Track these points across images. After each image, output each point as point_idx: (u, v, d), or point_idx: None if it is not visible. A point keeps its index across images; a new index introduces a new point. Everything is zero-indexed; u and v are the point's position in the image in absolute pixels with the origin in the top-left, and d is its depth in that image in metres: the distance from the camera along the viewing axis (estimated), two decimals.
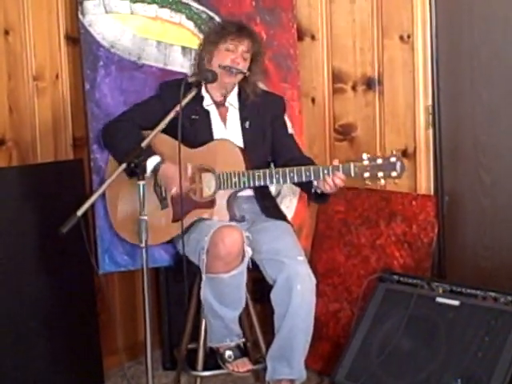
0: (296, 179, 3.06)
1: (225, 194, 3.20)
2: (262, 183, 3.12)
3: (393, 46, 3.69)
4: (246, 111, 3.36)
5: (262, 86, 3.50)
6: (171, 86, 3.31)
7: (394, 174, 2.94)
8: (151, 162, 3.11)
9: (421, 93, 3.62)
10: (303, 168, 3.05)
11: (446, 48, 3.55)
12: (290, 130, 3.58)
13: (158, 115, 3.05)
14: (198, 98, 3.27)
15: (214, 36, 3.29)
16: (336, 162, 3.02)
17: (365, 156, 2.96)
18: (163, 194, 3.25)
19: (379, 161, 2.94)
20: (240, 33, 3.25)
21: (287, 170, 3.06)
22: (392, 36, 3.68)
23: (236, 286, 3.12)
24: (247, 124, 3.34)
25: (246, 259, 3.10)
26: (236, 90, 3.38)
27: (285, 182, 3.10)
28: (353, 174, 2.98)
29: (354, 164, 2.97)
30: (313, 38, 3.95)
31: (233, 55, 3.23)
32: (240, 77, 3.29)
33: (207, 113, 3.33)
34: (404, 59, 3.66)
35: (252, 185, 3.13)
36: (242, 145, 3.30)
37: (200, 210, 3.21)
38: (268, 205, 3.39)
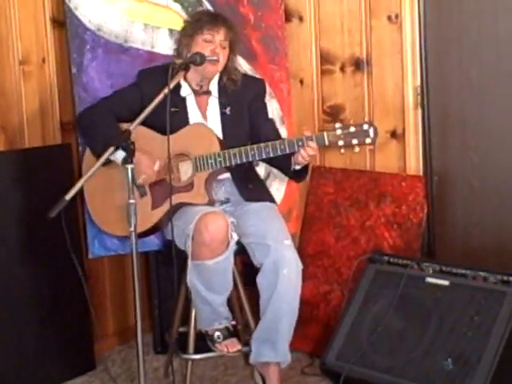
0: (272, 153, 3.08)
1: (202, 176, 3.19)
2: (239, 161, 3.12)
3: (381, 26, 3.68)
4: (227, 97, 3.35)
5: (242, 70, 3.51)
6: (150, 73, 3.34)
7: (368, 140, 3.00)
8: (121, 153, 2.96)
9: (409, 73, 3.62)
10: (277, 142, 3.08)
11: (434, 28, 3.55)
12: (270, 115, 3.57)
13: (135, 104, 3.15)
14: (176, 87, 3.24)
15: (189, 29, 3.28)
16: (308, 133, 3.05)
17: (337, 125, 3.01)
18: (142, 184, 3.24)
19: (352, 129, 2.99)
20: (215, 22, 3.24)
21: (262, 145, 3.08)
22: (380, 16, 3.67)
23: (222, 271, 3.13)
24: (228, 110, 3.34)
25: (232, 245, 3.11)
26: (216, 78, 3.36)
27: (260, 156, 3.10)
28: (327, 143, 3.01)
29: (327, 133, 3.01)
30: (300, 19, 3.93)
31: (211, 45, 3.22)
32: (222, 64, 3.28)
33: (184, 102, 3.33)
34: (392, 40, 3.65)
35: (229, 164, 3.14)
36: (220, 132, 3.30)
37: (179, 194, 3.20)
38: (251, 187, 3.37)
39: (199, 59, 3.09)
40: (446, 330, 3.02)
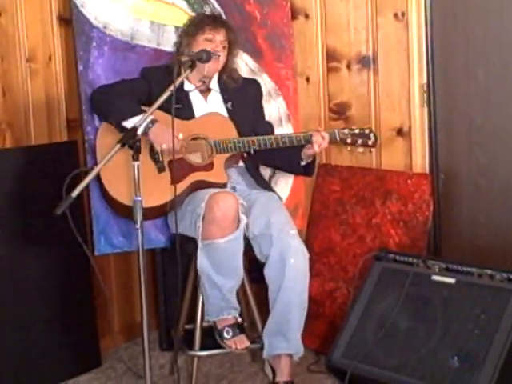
0: (288, 143, 3.31)
1: (222, 158, 3.30)
2: (257, 147, 3.30)
3: (387, 24, 3.67)
4: (228, 94, 3.47)
5: (240, 72, 3.61)
6: (154, 71, 3.42)
7: (369, 142, 3.36)
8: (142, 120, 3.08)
9: (415, 71, 3.61)
10: (294, 134, 3.36)
11: (440, 25, 3.54)
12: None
13: (143, 95, 3.29)
14: (180, 82, 3.26)
15: (191, 28, 3.39)
16: (321, 129, 3.40)
17: (344, 127, 3.42)
18: (160, 159, 3.27)
19: (357, 130, 3.37)
20: (216, 23, 3.39)
21: (279, 135, 3.36)
22: (386, 14, 3.67)
23: (232, 252, 3.14)
24: (229, 105, 3.45)
25: (242, 225, 3.15)
26: (216, 76, 3.47)
27: (278, 145, 3.31)
28: (338, 139, 3.34)
29: (338, 130, 3.37)
30: (307, 16, 3.93)
31: (212, 44, 3.33)
32: (222, 62, 3.40)
33: (188, 96, 3.41)
34: (398, 37, 3.64)
35: (247, 149, 3.31)
36: None
37: (199, 172, 3.28)
38: (260, 178, 3.50)
39: (205, 56, 3.13)
40: (451, 328, 3.02)
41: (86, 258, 3.34)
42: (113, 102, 3.27)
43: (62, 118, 3.65)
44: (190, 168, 3.28)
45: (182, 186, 3.23)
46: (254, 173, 3.48)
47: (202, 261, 3.15)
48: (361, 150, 3.38)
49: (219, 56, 3.34)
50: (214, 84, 3.48)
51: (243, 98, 3.50)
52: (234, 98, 3.48)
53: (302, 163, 3.41)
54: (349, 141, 3.35)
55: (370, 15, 3.72)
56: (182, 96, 3.35)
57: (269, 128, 3.62)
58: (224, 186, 3.32)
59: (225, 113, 3.44)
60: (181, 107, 3.30)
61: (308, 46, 3.95)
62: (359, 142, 3.35)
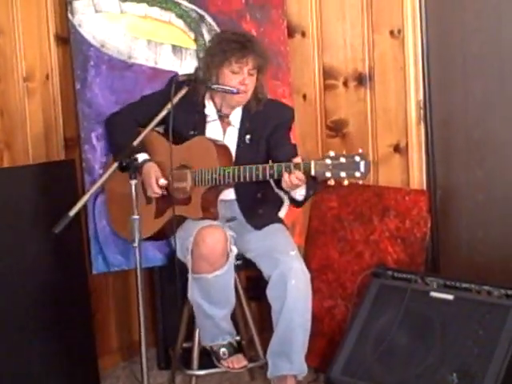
0: (261, 177, 2.97)
1: (199, 191, 3.15)
2: (231, 180, 3.05)
3: (383, 41, 3.69)
4: (249, 123, 3.28)
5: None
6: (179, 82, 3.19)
7: (357, 174, 2.74)
8: (139, 158, 3.10)
9: (412, 88, 3.62)
10: (268, 166, 2.97)
11: (436, 42, 3.56)
12: (293, 141, 3.45)
13: (159, 111, 3.00)
14: (200, 107, 3.26)
15: (217, 59, 3.15)
16: (297, 159, 2.89)
17: (330, 154, 2.79)
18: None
19: (342, 159, 2.76)
20: (243, 53, 3.12)
21: (253, 167, 2.99)
22: (382, 31, 3.68)
23: (222, 285, 3.12)
24: (247, 138, 3.27)
25: (231, 258, 3.11)
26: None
27: (251, 179, 3.00)
28: (313, 173, 2.82)
29: (314, 162, 2.82)
30: (303, 34, 3.94)
31: (239, 77, 3.14)
32: (251, 90, 3.21)
33: (204, 123, 3.28)
34: (395, 54, 3.66)
35: (222, 182, 3.07)
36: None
37: (178, 206, 3.16)
38: (261, 212, 3.33)
39: (202, 75, 3.11)
40: (450, 345, 3.02)
41: (84, 276, 3.35)
42: (114, 141, 3.33)
43: (60, 137, 3.65)
44: (172, 200, 3.16)
45: (163, 220, 3.22)
46: (249, 210, 3.31)
47: (193, 292, 3.15)
48: (346, 182, 2.77)
49: (240, 92, 3.12)
50: (237, 111, 3.29)
51: (263, 130, 3.26)
52: (254, 128, 3.26)
53: (298, 198, 3.09)
54: (328, 175, 2.76)
55: (366, 32, 3.74)
56: (199, 121, 3.26)
57: (290, 152, 3.18)
58: (210, 218, 3.19)
59: (233, 150, 3.23)
60: (194, 134, 3.23)
61: (305, 63, 3.96)
62: (342, 174, 2.75)
